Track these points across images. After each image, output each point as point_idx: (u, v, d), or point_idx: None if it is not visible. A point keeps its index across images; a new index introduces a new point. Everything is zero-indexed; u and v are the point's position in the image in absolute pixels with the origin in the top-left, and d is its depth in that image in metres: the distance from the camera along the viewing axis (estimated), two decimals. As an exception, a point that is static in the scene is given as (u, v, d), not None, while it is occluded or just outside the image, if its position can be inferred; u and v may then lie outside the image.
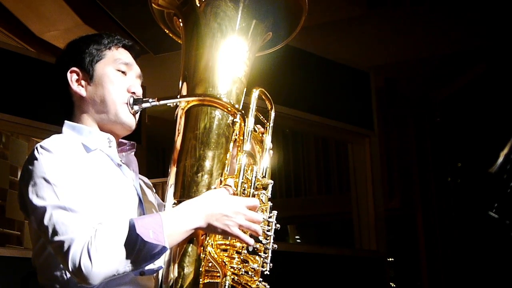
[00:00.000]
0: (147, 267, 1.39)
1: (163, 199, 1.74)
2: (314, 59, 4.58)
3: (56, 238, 1.36)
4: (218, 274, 1.49)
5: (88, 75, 1.63)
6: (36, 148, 1.47)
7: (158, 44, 4.45)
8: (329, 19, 4.56)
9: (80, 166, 1.48)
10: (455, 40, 4.91)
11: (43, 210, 1.39)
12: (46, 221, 1.38)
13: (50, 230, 1.37)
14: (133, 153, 1.73)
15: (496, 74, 5.04)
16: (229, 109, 1.59)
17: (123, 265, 1.35)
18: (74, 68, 1.64)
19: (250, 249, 1.49)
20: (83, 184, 1.44)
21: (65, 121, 1.63)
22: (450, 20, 4.64)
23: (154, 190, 1.84)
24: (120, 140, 1.71)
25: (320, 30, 4.54)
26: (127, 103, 1.61)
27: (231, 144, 1.62)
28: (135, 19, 4.24)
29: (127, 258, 1.34)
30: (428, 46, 5.06)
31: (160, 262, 1.41)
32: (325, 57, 4.64)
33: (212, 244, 1.52)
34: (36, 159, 1.44)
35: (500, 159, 2.32)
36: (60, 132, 1.62)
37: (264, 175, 1.64)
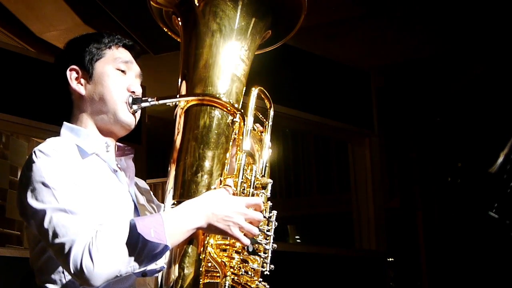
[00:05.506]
0: (149, 267, 1.37)
1: (163, 199, 1.73)
2: (314, 59, 4.58)
3: (57, 241, 1.35)
4: (218, 274, 1.48)
5: (87, 74, 1.62)
6: (34, 152, 1.46)
7: (158, 44, 4.45)
8: (329, 19, 4.55)
9: (77, 170, 1.47)
10: (455, 40, 4.91)
11: (43, 213, 1.38)
12: (46, 224, 1.37)
13: (51, 233, 1.36)
14: (131, 158, 1.73)
15: (496, 74, 5.04)
16: (229, 108, 1.58)
17: (125, 265, 1.33)
18: (74, 66, 1.63)
19: (250, 249, 1.48)
20: (81, 187, 1.43)
21: (64, 122, 1.63)
22: (450, 20, 4.64)
23: (152, 193, 1.83)
24: (119, 144, 1.71)
25: (320, 30, 4.54)
26: (126, 102, 1.60)
27: (231, 143, 1.61)
28: (135, 19, 4.24)
29: (129, 257, 1.33)
30: (428, 46, 5.05)
31: (162, 262, 1.40)
32: (325, 57, 4.64)
33: (212, 244, 1.51)
34: (34, 163, 1.43)
35: (500, 159, 2.32)
36: (59, 133, 1.61)
37: (263, 174, 1.63)
